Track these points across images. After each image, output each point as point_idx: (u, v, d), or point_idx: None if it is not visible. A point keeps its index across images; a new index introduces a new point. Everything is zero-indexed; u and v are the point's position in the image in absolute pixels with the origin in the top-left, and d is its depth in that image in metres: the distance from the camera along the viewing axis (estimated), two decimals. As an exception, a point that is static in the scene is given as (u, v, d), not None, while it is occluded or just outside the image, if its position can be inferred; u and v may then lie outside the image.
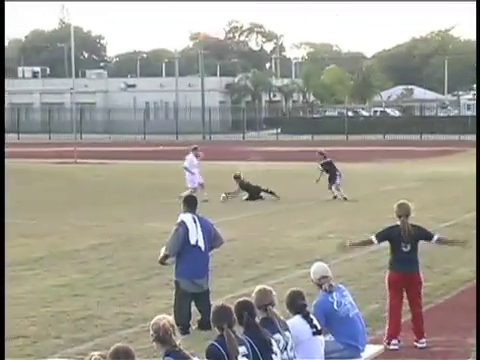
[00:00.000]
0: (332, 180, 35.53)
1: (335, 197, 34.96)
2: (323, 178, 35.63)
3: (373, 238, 14.36)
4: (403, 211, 14.27)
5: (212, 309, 9.61)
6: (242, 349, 9.30)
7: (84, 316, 16.17)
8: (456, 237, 24.82)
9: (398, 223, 14.27)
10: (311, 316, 10.86)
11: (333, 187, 35.42)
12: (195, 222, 14.61)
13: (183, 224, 14.55)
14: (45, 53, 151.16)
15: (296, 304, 10.79)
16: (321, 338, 10.88)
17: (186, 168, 35.14)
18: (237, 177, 36.10)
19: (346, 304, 11.82)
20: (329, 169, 35.74)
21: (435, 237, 14.53)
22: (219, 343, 9.17)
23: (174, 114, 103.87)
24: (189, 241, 14.48)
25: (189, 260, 14.47)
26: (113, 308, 16.80)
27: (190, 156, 35.52)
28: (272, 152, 68.45)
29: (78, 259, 22.19)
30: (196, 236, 14.53)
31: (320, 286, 11.94)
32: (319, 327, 10.85)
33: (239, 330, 9.56)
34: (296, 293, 10.97)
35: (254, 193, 35.78)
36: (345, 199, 34.64)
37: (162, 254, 14.94)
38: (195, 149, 35.99)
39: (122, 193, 38.10)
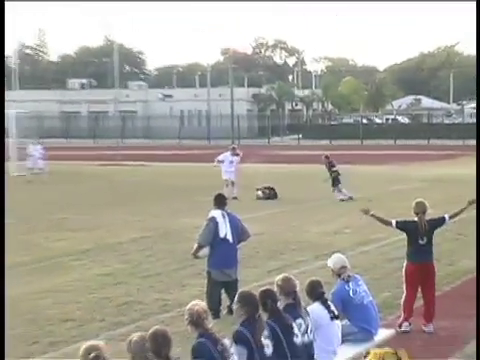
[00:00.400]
0: (336, 182, 35.00)
1: (342, 200, 34.19)
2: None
3: (393, 222, 14.42)
4: (420, 208, 14.40)
5: (240, 294, 9.58)
6: (264, 332, 9.31)
7: (125, 302, 16.23)
8: (462, 230, 25.09)
9: (415, 219, 14.34)
10: (329, 303, 10.89)
11: (336, 190, 34.82)
12: (224, 217, 14.70)
13: (213, 219, 14.66)
14: (92, 67, 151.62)
15: (316, 292, 10.81)
16: (338, 323, 10.90)
17: (218, 160, 35.79)
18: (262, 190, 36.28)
19: (361, 292, 11.83)
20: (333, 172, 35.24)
21: (447, 217, 14.71)
22: (245, 327, 9.17)
23: (206, 121, 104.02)
24: (219, 234, 14.56)
25: (219, 252, 14.55)
26: (152, 295, 16.85)
27: (226, 153, 35.89)
28: (294, 155, 68.37)
29: (120, 251, 22.28)
30: (225, 230, 14.62)
31: (339, 275, 11.95)
32: (336, 313, 10.86)
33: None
34: (315, 282, 10.99)
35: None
36: (351, 198, 33.98)
37: (195, 246, 14.97)
38: (233, 149, 36.36)
39: (159, 192, 38.21)
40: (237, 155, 36.15)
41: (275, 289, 10.15)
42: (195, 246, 15.04)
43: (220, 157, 35.97)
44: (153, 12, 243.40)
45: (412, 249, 14.32)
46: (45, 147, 48.78)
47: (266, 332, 9.35)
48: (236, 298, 9.53)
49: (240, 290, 9.92)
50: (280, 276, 10.49)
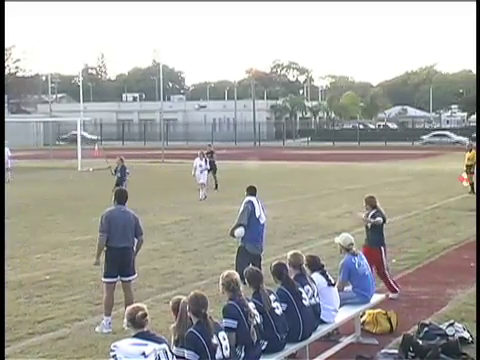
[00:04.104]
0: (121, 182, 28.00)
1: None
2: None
3: (380, 220, 13.85)
4: (376, 201, 14.12)
5: (247, 272, 9.45)
6: (272, 297, 9.32)
7: (169, 272, 16.27)
8: (439, 215, 25.01)
9: (376, 210, 13.99)
10: (327, 273, 10.87)
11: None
12: (258, 202, 14.62)
13: (251, 202, 14.48)
14: (142, 83, 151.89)
15: (317, 265, 10.80)
16: (334, 289, 10.83)
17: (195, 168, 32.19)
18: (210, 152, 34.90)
19: (363, 265, 11.77)
20: (121, 171, 29.14)
21: None
22: (257, 299, 9.13)
23: (233, 127, 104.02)
24: (255, 214, 14.43)
25: (254, 230, 14.33)
26: (190, 266, 16.88)
27: (197, 159, 32.37)
28: (304, 154, 68.26)
29: (165, 231, 22.32)
30: (259, 211, 14.52)
31: (348, 250, 11.85)
32: (332, 281, 10.86)
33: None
34: (316, 258, 10.96)
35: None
36: None
37: (234, 225, 14.71)
38: (201, 154, 32.69)
39: (195, 184, 38.18)
40: (206, 160, 32.47)
41: (286, 262, 10.17)
42: (233, 225, 14.78)
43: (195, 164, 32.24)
44: (190, 39, 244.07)
45: (383, 235, 14.02)
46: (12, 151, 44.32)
47: (274, 297, 9.34)
48: (245, 277, 9.41)
49: (246, 269, 9.81)
50: (290, 252, 10.46)
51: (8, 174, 40.82)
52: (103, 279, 12.40)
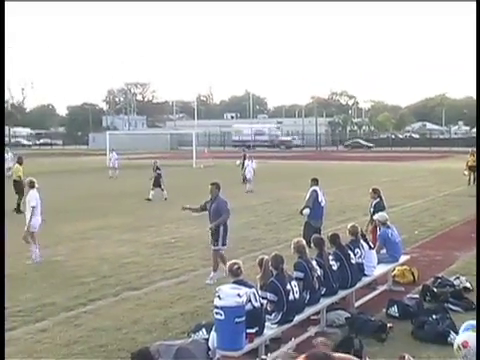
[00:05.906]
0: (157, 184, 25.72)
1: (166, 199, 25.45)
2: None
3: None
4: (381, 192, 13.63)
5: (314, 239, 9.55)
6: (330, 257, 9.37)
7: (256, 238, 16.34)
8: (450, 199, 24.28)
9: (378, 200, 13.62)
10: (368, 240, 10.79)
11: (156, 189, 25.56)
12: (320, 190, 14.54)
13: (315, 190, 14.44)
14: (237, 106, 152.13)
15: (359, 234, 10.70)
16: (373, 251, 10.71)
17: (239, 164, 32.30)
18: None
19: (394, 235, 11.60)
20: (157, 177, 25.90)
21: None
22: (319, 258, 9.18)
23: (301, 137, 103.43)
24: (318, 199, 14.36)
25: (317, 210, 14.24)
26: (270, 234, 16.94)
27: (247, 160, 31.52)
28: (351, 156, 67.25)
29: (253, 209, 22.40)
30: (321, 197, 14.45)
31: (383, 224, 11.70)
32: (372, 245, 10.77)
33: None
34: (357, 227, 10.77)
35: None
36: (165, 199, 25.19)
37: (303, 206, 14.51)
38: (244, 156, 32.40)
39: (274, 176, 38.18)
40: (251, 160, 31.03)
41: (346, 231, 10.38)
42: (302, 207, 14.67)
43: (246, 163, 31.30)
44: (273, 74, 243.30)
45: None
46: (119, 154, 42.03)
47: (331, 257, 9.39)
48: (312, 242, 9.55)
49: (313, 236, 9.88)
50: (350, 224, 10.63)
51: (111, 172, 38.81)
52: (217, 247, 12.21)
